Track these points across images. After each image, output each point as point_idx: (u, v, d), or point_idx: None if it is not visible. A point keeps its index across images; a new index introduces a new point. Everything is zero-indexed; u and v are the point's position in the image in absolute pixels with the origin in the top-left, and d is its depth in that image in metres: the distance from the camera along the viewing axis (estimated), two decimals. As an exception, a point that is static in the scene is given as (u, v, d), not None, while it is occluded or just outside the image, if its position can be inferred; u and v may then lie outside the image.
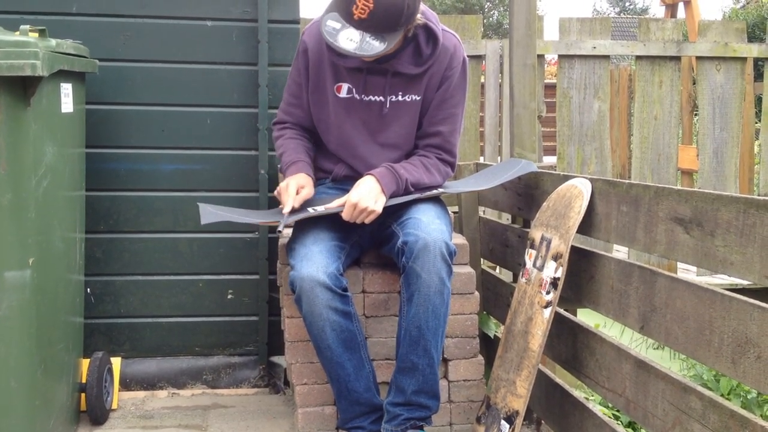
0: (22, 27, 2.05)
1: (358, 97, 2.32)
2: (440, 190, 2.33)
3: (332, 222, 2.24)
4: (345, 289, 2.14)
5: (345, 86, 2.32)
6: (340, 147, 2.39)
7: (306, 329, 2.17)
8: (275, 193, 2.33)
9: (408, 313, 2.12)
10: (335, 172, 2.42)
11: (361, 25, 2.05)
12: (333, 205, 2.21)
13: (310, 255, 2.13)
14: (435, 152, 2.36)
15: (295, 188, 2.25)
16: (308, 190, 2.28)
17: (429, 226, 2.13)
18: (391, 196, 2.23)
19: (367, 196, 2.16)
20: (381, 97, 2.31)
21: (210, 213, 2.29)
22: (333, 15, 2.10)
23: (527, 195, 2.48)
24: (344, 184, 2.38)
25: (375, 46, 2.06)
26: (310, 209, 2.24)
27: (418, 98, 2.32)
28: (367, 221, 2.17)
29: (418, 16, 2.17)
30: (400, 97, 2.32)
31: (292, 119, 2.46)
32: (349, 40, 2.06)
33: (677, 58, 4.43)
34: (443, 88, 2.33)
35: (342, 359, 2.16)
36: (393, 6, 2.03)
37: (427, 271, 2.08)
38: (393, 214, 2.26)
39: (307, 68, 2.37)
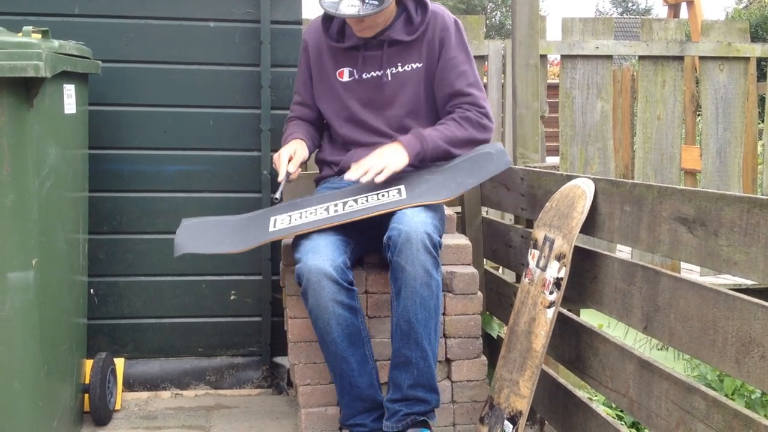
0: (25, 28, 2.05)
1: (357, 77, 2.40)
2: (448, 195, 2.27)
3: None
4: (351, 283, 2.14)
5: (346, 70, 2.42)
6: (353, 128, 2.44)
7: (311, 323, 2.16)
8: (273, 162, 2.44)
9: (397, 308, 2.12)
10: (344, 161, 2.44)
11: None
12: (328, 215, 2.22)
13: (317, 248, 2.13)
14: (461, 108, 2.39)
15: (288, 156, 2.36)
16: (302, 152, 2.40)
17: (412, 218, 2.12)
18: (418, 156, 2.29)
19: (380, 153, 2.27)
20: (378, 72, 2.39)
21: (184, 244, 2.28)
22: None
23: (530, 195, 2.48)
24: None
25: (375, 4, 2.21)
26: (304, 211, 2.26)
27: (419, 65, 2.39)
28: (379, 179, 2.20)
29: None
30: (399, 68, 2.39)
31: (298, 116, 2.58)
32: (351, 6, 2.21)
33: (680, 58, 4.42)
34: (444, 50, 2.39)
35: (346, 354, 2.15)
36: None
37: (411, 263, 2.08)
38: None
39: (308, 65, 2.49)
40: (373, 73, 2.40)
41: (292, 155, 2.37)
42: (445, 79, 2.40)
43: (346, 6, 2.21)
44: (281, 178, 2.33)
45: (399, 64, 2.39)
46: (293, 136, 2.47)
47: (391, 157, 2.25)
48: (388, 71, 2.39)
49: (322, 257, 2.10)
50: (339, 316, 2.11)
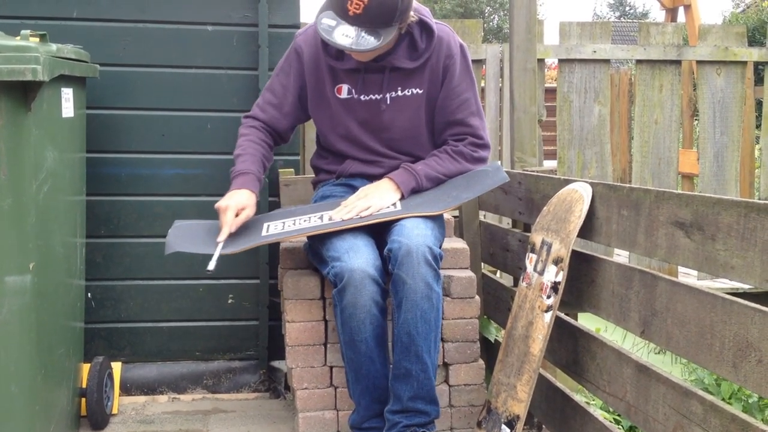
0: (23, 32, 2.05)
1: (356, 97, 2.34)
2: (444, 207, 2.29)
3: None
4: (386, 286, 2.15)
5: (345, 87, 2.35)
6: (349, 145, 2.41)
7: (339, 322, 2.15)
8: (215, 206, 2.26)
9: (398, 320, 2.13)
10: (341, 169, 2.43)
11: (356, 20, 2.09)
12: (310, 225, 2.19)
13: (356, 247, 2.12)
14: (459, 139, 2.38)
15: (234, 212, 2.21)
16: (248, 212, 2.25)
17: (412, 231, 2.12)
18: (413, 192, 2.29)
19: (372, 192, 2.24)
20: (378, 95, 2.34)
21: (175, 243, 2.24)
22: (328, 13, 2.14)
23: (528, 199, 2.48)
24: (351, 179, 2.40)
25: (370, 41, 2.10)
26: (298, 219, 2.25)
27: (419, 92, 2.34)
28: (363, 214, 2.19)
29: (411, 12, 2.21)
30: (399, 92, 2.34)
31: (265, 117, 2.45)
32: (345, 36, 2.10)
33: (677, 62, 4.42)
34: (447, 79, 2.35)
35: (374, 354, 2.16)
36: (387, 1, 2.08)
37: (412, 276, 2.08)
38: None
39: (301, 73, 2.39)
40: (371, 96, 2.34)
41: (240, 210, 2.22)
42: (446, 107, 2.37)
43: (339, 35, 2.09)
44: (221, 238, 2.16)
45: (399, 88, 2.33)
46: (246, 177, 2.29)
47: (378, 198, 2.24)
48: (388, 95, 2.33)
49: (364, 257, 2.10)
50: (374, 317, 2.12)
